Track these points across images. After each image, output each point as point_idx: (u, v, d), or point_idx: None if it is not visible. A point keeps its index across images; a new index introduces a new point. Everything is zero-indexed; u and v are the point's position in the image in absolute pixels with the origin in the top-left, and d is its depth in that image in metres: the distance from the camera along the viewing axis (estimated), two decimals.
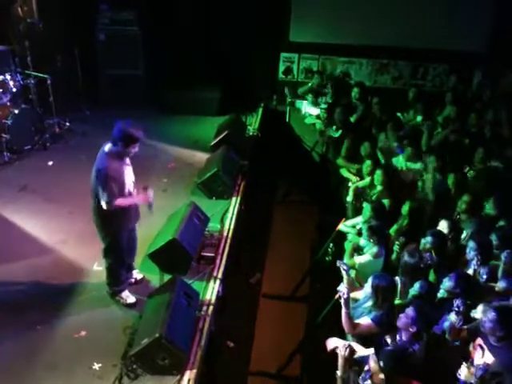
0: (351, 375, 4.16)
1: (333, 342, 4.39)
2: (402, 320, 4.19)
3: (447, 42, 9.65)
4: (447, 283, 4.71)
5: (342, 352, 4.18)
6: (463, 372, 3.86)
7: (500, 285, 4.79)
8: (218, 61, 9.63)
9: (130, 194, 4.98)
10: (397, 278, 4.99)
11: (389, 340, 4.25)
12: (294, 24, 10.10)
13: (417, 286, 4.70)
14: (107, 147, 4.82)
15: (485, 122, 8.22)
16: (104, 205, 4.75)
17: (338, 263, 5.00)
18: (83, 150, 7.72)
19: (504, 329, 3.94)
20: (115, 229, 4.98)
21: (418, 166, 7.26)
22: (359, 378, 4.03)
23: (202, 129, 9.19)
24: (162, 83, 9.60)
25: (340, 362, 4.14)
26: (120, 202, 4.80)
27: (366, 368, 3.97)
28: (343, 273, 4.95)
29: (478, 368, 3.83)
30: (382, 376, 3.80)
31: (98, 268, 5.50)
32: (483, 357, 3.99)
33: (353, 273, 5.70)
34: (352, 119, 8.75)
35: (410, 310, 4.20)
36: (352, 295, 4.82)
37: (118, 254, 5.11)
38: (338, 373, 4.18)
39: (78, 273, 5.61)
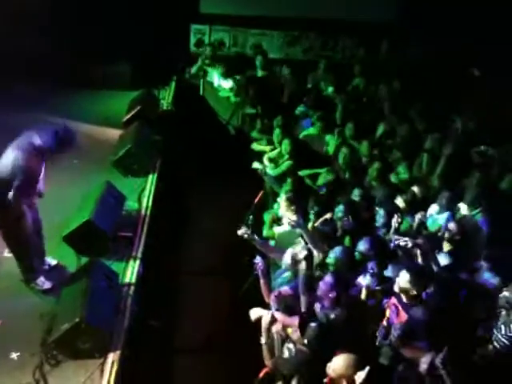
0: (276, 342, 4.28)
1: (256, 312, 4.48)
2: (322, 287, 4.33)
3: (356, 14, 9.83)
4: (362, 246, 4.94)
5: (264, 320, 4.27)
6: (382, 331, 4.07)
7: None
8: (127, 33, 9.26)
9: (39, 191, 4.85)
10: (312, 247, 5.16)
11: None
12: None
13: (337, 250, 4.89)
14: (37, 141, 4.57)
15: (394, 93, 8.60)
16: (12, 197, 4.50)
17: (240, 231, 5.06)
18: None
19: (415, 287, 4.19)
20: (14, 216, 4.71)
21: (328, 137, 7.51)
22: (284, 344, 4.16)
23: (113, 104, 8.85)
24: (68, 56, 9.09)
25: (263, 329, 4.22)
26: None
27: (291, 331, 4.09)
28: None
29: (395, 328, 4.06)
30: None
31: (8, 255, 5.22)
32: (398, 316, 4.24)
33: (272, 243, 5.83)
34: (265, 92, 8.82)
35: (328, 277, 4.36)
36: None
37: (24, 240, 4.86)
38: (262, 339, 4.27)
39: None
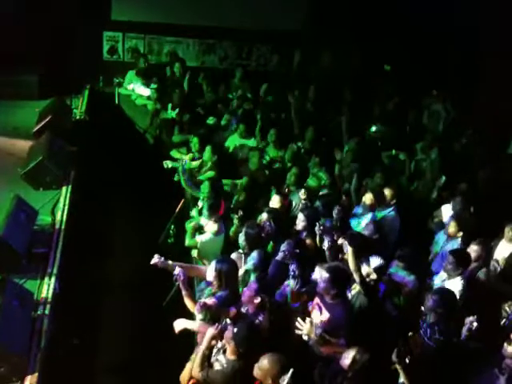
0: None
1: (180, 324, 4.40)
2: (246, 293, 4.35)
3: (267, 23, 9.98)
4: (285, 247, 5.02)
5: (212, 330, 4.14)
6: (305, 327, 4.12)
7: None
8: (36, 39, 8.83)
9: None
10: (234, 255, 5.16)
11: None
12: (115, 2, 9.68)
13: (254, 254, 4.92)
14: None
15: (307, 99, 8.84)
16: None
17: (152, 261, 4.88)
18: None
19: (336, 287, 4.29)
20: None
21: (251, 142, 7.57)
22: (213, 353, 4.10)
23: (22, 114, 8.36)
24: None
25: (207, 338, 4.10)
26: None
27: (220, 344, 4.05)
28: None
29: (317, 326, 4.13)
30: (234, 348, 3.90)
31: None
32: (321, 315, 4.32)
33: (195, 252, 5.77)
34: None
35: (252, 283, 4.39)
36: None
37: None
38: (203, 348, 4.15)
39: None
